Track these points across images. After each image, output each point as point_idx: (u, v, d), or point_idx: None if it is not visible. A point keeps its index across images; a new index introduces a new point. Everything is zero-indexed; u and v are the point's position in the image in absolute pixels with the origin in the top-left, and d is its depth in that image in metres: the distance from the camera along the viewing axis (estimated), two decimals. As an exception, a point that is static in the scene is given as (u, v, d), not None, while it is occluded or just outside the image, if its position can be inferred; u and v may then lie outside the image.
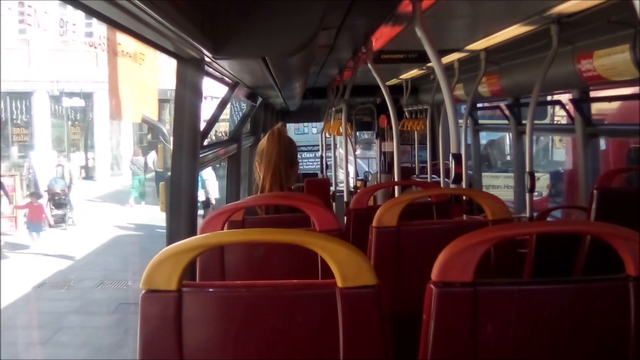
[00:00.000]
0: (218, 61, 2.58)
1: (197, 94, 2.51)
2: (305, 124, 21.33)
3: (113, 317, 10.66)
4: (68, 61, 23.60)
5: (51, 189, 18.28)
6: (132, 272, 12.89)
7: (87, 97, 25.23)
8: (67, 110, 25.72)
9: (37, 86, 24.26)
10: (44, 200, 17.19)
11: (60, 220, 17.84)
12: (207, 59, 2.43)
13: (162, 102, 28.44)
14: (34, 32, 22.80)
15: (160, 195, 11.35)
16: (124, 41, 11.25)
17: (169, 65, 24.50)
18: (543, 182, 10.91)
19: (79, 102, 25.22)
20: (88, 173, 26.16)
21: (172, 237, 2.43)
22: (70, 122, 26.20)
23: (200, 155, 2.68)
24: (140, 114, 12.87)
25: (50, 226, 17.11)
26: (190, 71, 2.47)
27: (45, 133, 24.79)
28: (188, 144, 2.49)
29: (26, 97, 24.65)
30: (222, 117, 3.69)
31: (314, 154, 17.97)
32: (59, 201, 18.09)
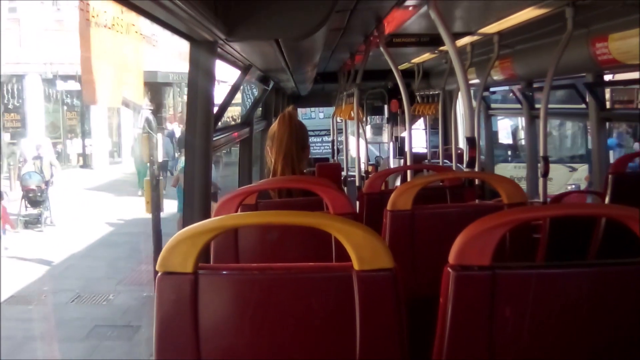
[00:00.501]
0: (231, 44, 2.56)
1: (210, 76, 2.50)
2: (313, 109, 21.28)
3: (84, 344, 8.59)
4: (62, 42, 21.25)
5: (25, 185, 15.97)
6: (116, 281, 11.16)
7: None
8: (62, 94, 24.20)
9: (29, 68, 22.69)
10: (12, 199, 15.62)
11: (35, 221, 15.65)
12: (219, 42, 2.42)
13: (164, 85, 27.49)
14: (25, 10, 21.57)
15: (145, 193, 10.03)
16: (100, 6, 9.49)
17: (173, 46, 23.90)
18: (581, 173, 10.51)
19: (75, 86, 22.49)
20: (86, 161, 24.54)
21: (186, 220, 2.43)
22: (65, 107, 24.73)
23: (214, 139, 2.67)
24: (120, 97, 11.13)
25: (13, 229, 15.00)
26: (203, 53, 2.45)
27: (38, 119, 23.31)
28: (201, 127, 2.48)
29: (18, 81, 22.98)
30: (233, 101, 3.68)
31: (321, 139, 17.94)
32: (34, 199, 15.81)
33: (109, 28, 9.79)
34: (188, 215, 2.44)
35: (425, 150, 9.17)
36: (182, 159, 24.39)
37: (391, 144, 9.21)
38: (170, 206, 13.58)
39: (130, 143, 23.97)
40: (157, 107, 26.39)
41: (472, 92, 6.52)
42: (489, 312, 1.42)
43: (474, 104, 5.34)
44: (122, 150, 25.82)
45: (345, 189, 7.75)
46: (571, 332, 1.44)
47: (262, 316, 1.41)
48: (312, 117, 19.81)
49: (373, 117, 14.89)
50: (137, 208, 15.09)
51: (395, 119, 8.94)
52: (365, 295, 1.38)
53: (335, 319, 1.40)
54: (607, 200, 3.06)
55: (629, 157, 3.24)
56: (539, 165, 4.56)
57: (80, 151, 24.50)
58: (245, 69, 3.74)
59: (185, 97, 30.27)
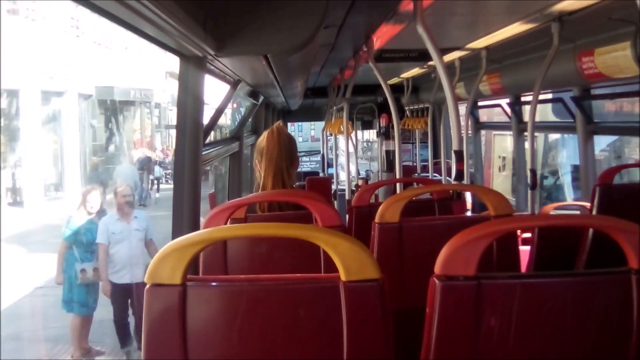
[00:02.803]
0: (220, 59, 2.58)
1: (199, 92, 2.52)
2: (297, 129, 21.32)
3: None
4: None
5: None
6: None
7: (12, 95, 18.11)
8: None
9: None
10: None
11: None
12: (209, 57, 2.44)
13: (124, 104, 24.87)
14: None
15: (58, 262, 7.66)
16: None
17: (138, 56, 22.60)
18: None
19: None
20: (16, 197, 18.26)
21: (175, 231, 2.44)
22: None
23: (203, 153, 2.69)
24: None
25: None
26: (192, 69, 2.47)
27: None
28: (191, 141, 2.49)
29: None
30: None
31: (308, 158, 17.98)
32: None
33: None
34: (177, 227, 2.45)
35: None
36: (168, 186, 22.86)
37: (381, 158, 9.24)
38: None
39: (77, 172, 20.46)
40: (113, 129, 24.53)
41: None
42: (474, 322, 1.44)
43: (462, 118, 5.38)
44: (65, 181, 20.45)
45: (335, 202, 7.77)
46: (556, 342, 1.46)
47: (250, 327, 1.42)
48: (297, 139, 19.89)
49: (363, 132, 14.94)
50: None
51: (385, 133, 8.98)
52: (352, 305, 1.40)
53: (322, 329, 1.42)
54: (594, 211, 3.08)
55: (616, 169, 3.27)
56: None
57: (10, 184, 18.28)
58: (235, 84, 3.76)
59: (154, 118, 27.58)
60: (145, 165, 21.88)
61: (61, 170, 20.43)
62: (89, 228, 7.88)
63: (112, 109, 24.51)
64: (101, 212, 8.13)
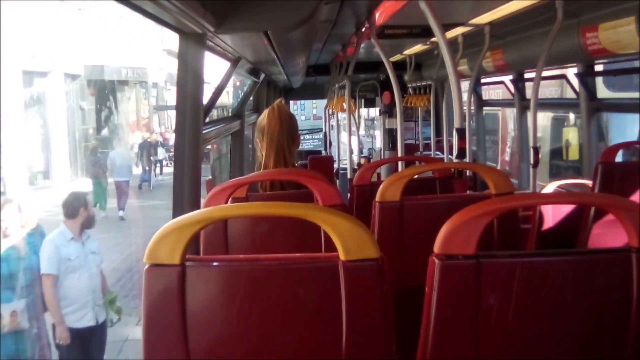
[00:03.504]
0: (220, 36, 2.56)
1: (199, 69, 2.50)
2: (302, 102, 21.16)
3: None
4: None
5: None
6: None
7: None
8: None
9: None
10: None
11: None
12: (208, 34, 2.41)
13: (117, 84, 23.42)
14: None
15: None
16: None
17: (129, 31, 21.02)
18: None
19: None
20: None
21: (176, 211, 2.43)
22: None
23: (204, 131, 2.67)
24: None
25: None
26: (192, 46, 2.45)
27: None
28: (191, 120, 2.48)
29: None
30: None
31: (311, 136, 17.98)
32: None
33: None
34: (177, 206, 2.45)
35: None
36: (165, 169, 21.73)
37: (383, 136, 9.22)
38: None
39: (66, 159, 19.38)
40: (106, 111, 23.36)
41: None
42: (474, 301, 1.43)
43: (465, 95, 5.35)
44: (52, 169, 19.14)
45: (337, 181, 7.76)
46: (556, 320, 1.45)
47: (249, 307, 1.42)
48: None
49: (368, 110, 14.89)
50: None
51: (387, 111, 8.95)
52: (351, 285, 1.39)
53: (322, 308, 1.41)
54: (596, 189, 3.08)
55: (618, 146, 3.26)
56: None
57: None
58: (235, 61, 3.74)
59: (151, 98, 26.48)
60: (146, 148, 21.49)
61: (48, 157, 19.07)
62: (5, 256, 5.65)
63: (103, 90, 23.19)
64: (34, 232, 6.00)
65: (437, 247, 1.44)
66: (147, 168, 21.07)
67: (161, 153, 21.95)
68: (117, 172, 16.89)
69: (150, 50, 23.92)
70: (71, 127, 20.71)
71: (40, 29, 17.50)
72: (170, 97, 26.80)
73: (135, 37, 22.43)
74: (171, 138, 22.74)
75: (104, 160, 17.23)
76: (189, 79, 2.50)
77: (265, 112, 3.16)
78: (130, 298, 10.33)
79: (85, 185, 17.41)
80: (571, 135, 7.87)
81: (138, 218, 16.29)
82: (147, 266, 1.41)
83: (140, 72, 24.62)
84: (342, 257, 1.39)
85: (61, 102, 19.98)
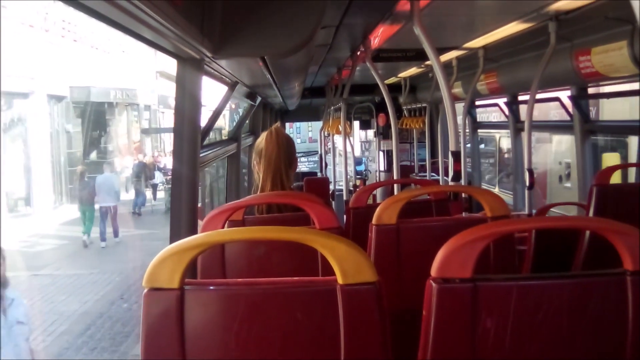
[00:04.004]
0: (217, 61, 2.59)
1: (197, 93, 2.52)
2: (298, 126, 21.10)
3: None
4: None
5: None
6: None
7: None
8: None
9: None
10: None
11: None
12: (206, 59, 2.44)
13: (104, 106, 22.31)
14: None
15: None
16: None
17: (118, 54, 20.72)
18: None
19: None
20: None
21: (173, 234, 2.44)
22: None
23: (201, 155, 2.69)
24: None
25: None
26: (189, 71, 2.47)
27: None
28: (188, 143, 2.50)
29: None
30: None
31: (306, 158, 18.01)
32: None
33: None
34: (175, 231, 2.45)
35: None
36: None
37: (379, 157, 9.24)
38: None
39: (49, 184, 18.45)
40: (94, 134, 22.35)
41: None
42: (470, 324, 1.44)
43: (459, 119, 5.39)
44: (33, 195, 17.92)
45: (333, 203, 7.77)
46: (552, 343, 1.46)
47: (247, 330, 1.42)
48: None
49: (366, 133, 14.93)
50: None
51: (382, 133, 8.99)
52: (349, 308, 1.40)
53: (320, 332, 1.42)
54: (591, 211, 3.09)
55: (613, 168, 3.27)
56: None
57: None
58: (232, 85, 3.76)
59: (143, 121, 25.43)
60: (141, 172, 20.98)
61: (29, 183, 17.90)
62: None
63: (91, 112, 22.08)
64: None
65: (434, 271, 1.45)
66: (141, 192, 20.68)
67: (158, 177, 21.50)
68: (102, 197, 16.52)
69: (143, 72, 23.42)
70: (55, 150, 19.85)
71: (22, 48, 16.73)
72: (164, 119, 26.48)
73: (127, 59, 22.03)
74: (163, 161, 22.35)
75: (92, 185, 16.93)
76: (186, 104, 2.52)
77: (263, 136, 3.18)
78: (99, 351, 9.46)
79: (70, 212, 17.29)
80: (612, 161, 7.03)
81: (121, 250, 15.67)
82: (146, 290, 1.42)
83: (130, 94, 23.79)
84: (339, 280, 1.40)
85: (44, 125, 19.03)
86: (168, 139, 25.57)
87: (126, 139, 24.78)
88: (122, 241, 16.48)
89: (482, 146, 10.32)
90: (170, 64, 2.47)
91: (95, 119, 22.48)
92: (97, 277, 13.23)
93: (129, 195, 20.81)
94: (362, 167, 15.45)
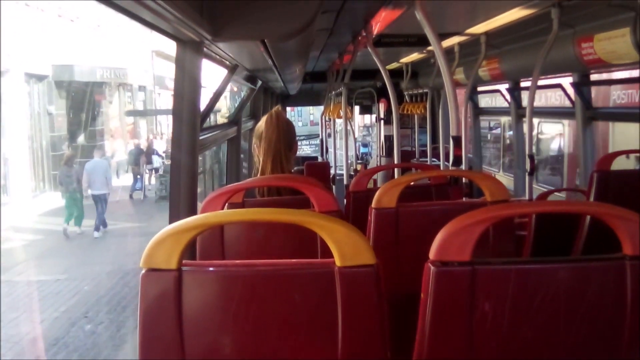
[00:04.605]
0: (217, 44, 2.57)
1: (196, 76, 2.51)
2: (299, 109, 21.03)
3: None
4: None
5: None
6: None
7: None
8: None
9: None
10: None
11: None
12: (206, 42, 2.43)
13: (91, 86, 20.80)
14: None
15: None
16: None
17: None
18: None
19: None
20: None
21: (172, 217, 2.44)
22: None
23: (200, 137, 2.68)
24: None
25: None
26: (189, 54, 2.46)
27: None
28: (188, 126, 2.49)
29: None
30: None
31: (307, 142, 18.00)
32: None
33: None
34: (174, 212, 2.46)
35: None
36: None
37: (380, 143, 9.24)
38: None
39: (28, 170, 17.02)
40: (81, 116, 20.62)
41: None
42: (468, 307, 1.44)
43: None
44: (9, 183, 16.62)
45: (334, 187, 7.77)
46: (550, 327, 1.46)
47: (245, 312, 1.43)
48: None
49: (366, 117, 14.90)
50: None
51: (384, 118, 8.98)
52: (347, 291, 1.40)
53: (318, 314, 1.42)
54: (591, 197, 3.09)
55: (613, 155, 3.27)
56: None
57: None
58: (232, 69, 3.75)
59: (137, 102, 24.09)
60: (137, 156, 20.27)
61: (5, 169, 16.58)
62: None
63: (77, 93, 20.36)
64: None
65: (432, 254, 1.45)
66: (139, 176, 20.05)
67: (157, 161, 20.85)
68: (93, 185, 15.66)
69: (136, 51, 22.00)
70: (36, 134, 18.44)
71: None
72: (160, 101, 25.32)
73: (118, 37, 20.54)
74: (158, 144, 21.65)
75: (79, 172, 15.98)
76: (186, 86, 2.51)
77: (263, 119, 3.18)
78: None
79: (53, 200, 16.13)
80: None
81: (103, 246, 14.30)
82: (143, 271, 1.42)
83: (119, 73, 22.06)
84: (338, 263, 1.40)
85: (22, 106, 17.44)
86: (164, 121, 24.82)
87: (118, 121, 23.50)
88: (109, 232, 15.41)
89: (487, 131, 10.30)
90: (167, 43, 2.44)
91: (82, 99, 20.84)
92: (63, 286, 11.27)
93: (120, 182, 19.87)
94: (366, 150, 15.46)
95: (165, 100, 24.98)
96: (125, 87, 23.41)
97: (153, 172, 20.77)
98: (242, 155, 5.51)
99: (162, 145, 21.93)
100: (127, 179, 20.32)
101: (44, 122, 18.84)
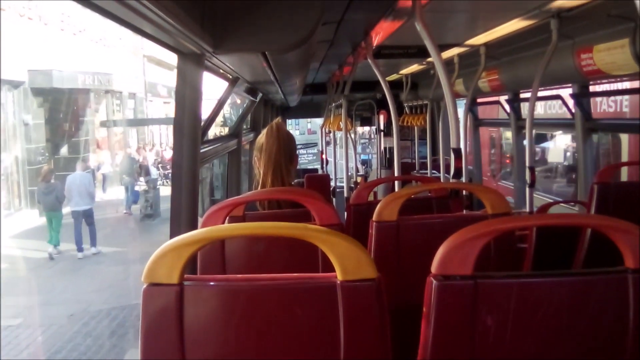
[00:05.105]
0: (218, 56, 2.58)
1: (198, 89, 2.52)
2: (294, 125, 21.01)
3: None
4: None
5: None
6: None
7: None
8: None
9: None
10: None
11: None
12: (207, 54, 2.43)
13: (73, 93, 19.23)
14: None
15: None
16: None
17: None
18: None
19: None
20: None
21: (173, 231, 2.43)
22: None
23: (201, 150, 2.68)
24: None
25: None
26: (190, 66, 2.47)
27: None
28: (189, 139, 2.49)
29: None
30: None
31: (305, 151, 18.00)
32: None
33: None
34: (175, 226, 2.45)
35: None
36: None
37: (379, 154, 9.24)
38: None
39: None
40: (62, 126, 19.26)
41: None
42: (470, 321, 1.44)
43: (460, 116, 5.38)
44: None
45: (334, 200, 7.76)
46: (552, 341, 1.46)
47: (247, 326, 1.42)
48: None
49: (365, 129, 14.93)
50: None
51: (384, 130, 8.98)
52: (349, 305, 1.40)
53: (320, 328, 1.42)
54: (592, 210, 3.08)
55: (614, 167, 3.27)
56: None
57: None
58: (233, 81, 3.76)
59: (126, 111, 22.51)
60: (131, 169, 19.17)
61: None
62: None
63: (57, 101, 18.92)
64: None
65: (434, 268, 1.45)
66: (135, 189, 18.79)
67: (154, 172, 19.90)
68: (74, 200, 14.45)
69: (126, 57, 21.12)
70: (9, 146, 16.82)
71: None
72: (152, 109, 24.12)
73: (106, 42, 19.68)
74: (144, 155, 20.66)
75: (59, 188, 14.64)
76: (187, 99, 2.51)
77: (264, 131, 3.17)
78: None
79: (29, 219, 14.95)
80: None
81: (86, 270, 12.86)
82: (145, 286, 1.41)
83: (103, 80, 20.37)
84: (339, 277, 1.40)
85: None
86: (157, 130, 24.24)
87: (105, 131, 22.09)
88: (85, 258, 14.01)
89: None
90: (159, 49, 2.43)
91: (62, 108, 19.41)
92: (13, 335, 9.14)
93: (106, 195, 18.75)
94: (366, 157, 15.44)
95: (159, 107, 24.26)
96: (114, 95, 22.12)
97: (154, 182, 19.57)
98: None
99: (152, 156, 21.14)
100: (115, 193, 19.08)
101: (18, 133, 17.36)
